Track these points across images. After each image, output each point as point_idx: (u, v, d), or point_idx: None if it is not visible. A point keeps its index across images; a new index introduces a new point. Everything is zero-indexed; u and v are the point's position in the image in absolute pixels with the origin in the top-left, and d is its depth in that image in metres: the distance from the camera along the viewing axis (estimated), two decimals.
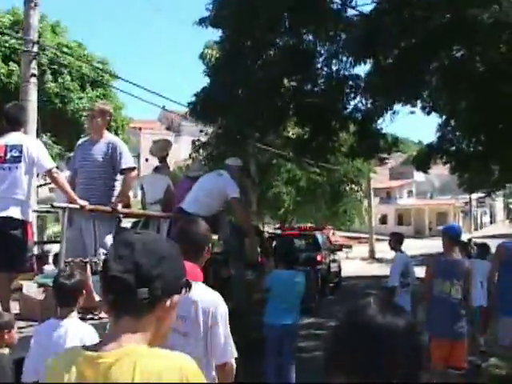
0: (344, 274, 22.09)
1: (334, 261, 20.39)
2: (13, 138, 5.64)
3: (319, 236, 19.25)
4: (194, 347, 3.19)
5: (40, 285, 6.22)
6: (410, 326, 1.48)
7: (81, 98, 18.63)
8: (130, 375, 1.54)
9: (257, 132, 17.99)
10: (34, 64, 12.31)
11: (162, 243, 1.80)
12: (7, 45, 16.88)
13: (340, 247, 24.78)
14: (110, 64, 20.17)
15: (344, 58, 13.88)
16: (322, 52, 14.60)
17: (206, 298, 3.35)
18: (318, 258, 17.07)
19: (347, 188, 35.08)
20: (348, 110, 16.02)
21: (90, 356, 1.61)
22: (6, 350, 4.46)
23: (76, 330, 3.98)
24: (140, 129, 70.61)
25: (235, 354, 3.41)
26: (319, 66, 14.88)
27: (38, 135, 12.94)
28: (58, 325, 4.03)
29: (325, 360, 1.46)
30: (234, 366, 3.42)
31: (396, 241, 9.35)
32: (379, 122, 15.92)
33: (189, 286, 1.81)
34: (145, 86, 15.43)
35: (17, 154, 5.51)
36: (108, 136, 6.46)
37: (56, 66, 18.08)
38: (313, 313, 13.81)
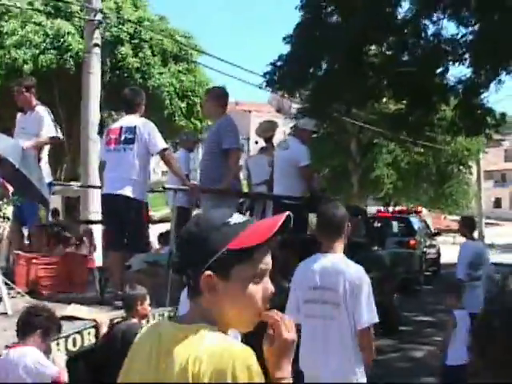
0: (446, 260, 20.29)
1: (432, 246, 18.80)
2: (127, 120, 5.97)
3: (414, 219, 17.96)
4: (345, 317, 3.61)
5: (150, 263, 6.36)
6: None
7: (162, 73, 18.00)
8: (185, 356, 1.57)
9: (345, 105, 16.53)
10: (97, 33, 11.78)
11: (190, 223, 1.74)
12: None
13: (439, 232, 23.01)
14: (195, 38, 19.39)
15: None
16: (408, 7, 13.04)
17: (351, 270, 3.67)
18: (411, 242, 15.69)
19: (455, 169, 33.24)
20: (447, 81, 14.41)
21: (173, 332, 1.68)
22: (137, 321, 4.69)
23: None
24: (250, 111, 71.16)
25: (375, 319, 3.65)
26: (410, 29, 13.30)
27: (101, 110, 12.30)
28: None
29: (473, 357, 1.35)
30: (371, 331, 3.68)
31: (465, 226, 7.65)
32: (484, 95, 14.14)
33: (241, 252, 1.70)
34: (238, 64, 14.47)
35: (130, 136, 5.77)
36: (221, 117, 6.72)
37: (137, 41, 17.51)
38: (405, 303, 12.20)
